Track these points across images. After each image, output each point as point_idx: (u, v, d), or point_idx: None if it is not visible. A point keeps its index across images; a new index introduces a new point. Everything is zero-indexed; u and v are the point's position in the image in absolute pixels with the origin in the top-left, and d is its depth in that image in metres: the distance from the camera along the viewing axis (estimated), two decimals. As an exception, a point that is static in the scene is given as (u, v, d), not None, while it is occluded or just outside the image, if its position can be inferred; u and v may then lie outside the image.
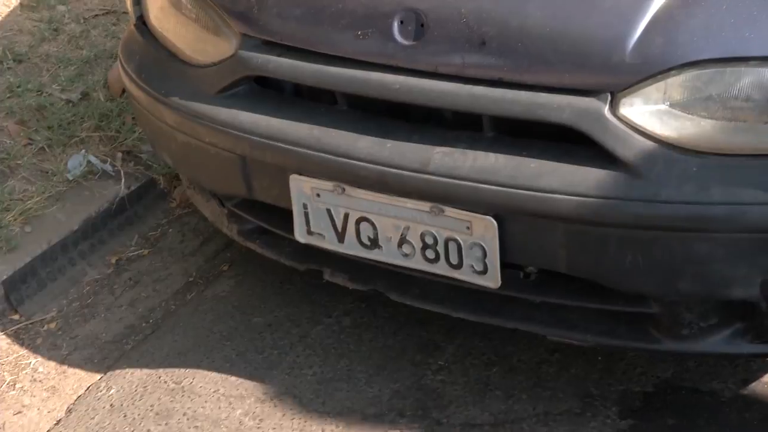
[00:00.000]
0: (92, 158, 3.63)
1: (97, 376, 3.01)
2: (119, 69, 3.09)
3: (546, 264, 2.46)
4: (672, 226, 2.25)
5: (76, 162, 3.61)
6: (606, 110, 2.26)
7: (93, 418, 2.86)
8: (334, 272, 2.80)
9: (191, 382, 2.93)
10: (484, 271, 2.46)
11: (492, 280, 2.47)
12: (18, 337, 3.15)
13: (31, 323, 3.20)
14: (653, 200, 2.23)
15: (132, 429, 2.81)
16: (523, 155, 2.34)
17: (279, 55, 2.58)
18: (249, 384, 2.91)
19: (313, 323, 3.10)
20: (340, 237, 2.61)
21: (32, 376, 3.02)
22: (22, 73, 4.11)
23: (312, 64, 2.53)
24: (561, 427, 2.70)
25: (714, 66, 2.22)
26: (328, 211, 2.59)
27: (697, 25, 2.23)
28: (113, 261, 3.45)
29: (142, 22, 3.02)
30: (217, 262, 3.42)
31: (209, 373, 2.96)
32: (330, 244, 2.64)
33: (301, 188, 2.59)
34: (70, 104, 3.92)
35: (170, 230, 3.59)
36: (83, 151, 3.67)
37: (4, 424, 2.86)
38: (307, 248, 2.73)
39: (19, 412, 2.91)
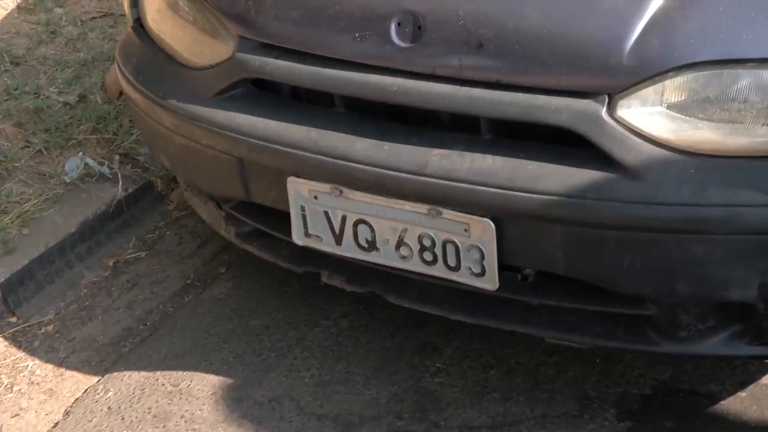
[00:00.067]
0: (89, 161, 3.63)
1: (95, 379, 3.01)
2: (116, 71, 3.09)
3: (544, 266, 2.46)
4: (669, 228, 2.25)
5: (73, 164, 3.61)
6: (603, 112, 2.26)
7: (91, 421, 2.86)
8: (331, 274, 2.80)
9: (189, 385, 2.93)
10: (482, 274, 2.46)
11: (490, 283, 2.46)
12: (15, 340, 3.14)
13: (28, 326, 3.20)
14: (651, 202, 2.23)
15: (130, 432, 2.81)
16: (520, 157, 2.34)
17: (276, 58, 2.58)
18: (247, 386, 2.91)
19: (310, 326, 3.10)
20: (338, 239, 2.61)
21: (30, 379, 3.02)
22: (19, 75, 4.11)
23: (309, 66, 2.53)
24: (559, 429, 2.70)
25: (711, 68, 2.22)
26: (326, 213, 2.59)
27: (694, 27, 2.23)
28: (111, 263, 3.45)
29: (139, 25, 3.02)
30: (215, 265, 3.42)
31: (207, 375, 2.96)
32: (328, 246, 2.64)
33: (299, 190, 2.59)
34: (68, 107, 3.92)
35: (168, 233, 3.59)
36: (80, 153, 3.66)
37: (1, 426, 2.86)
38: (305, 250, 2.73)
39: (17, 415, 2.90)
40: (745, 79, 2.21)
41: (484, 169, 2.34)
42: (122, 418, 2.85)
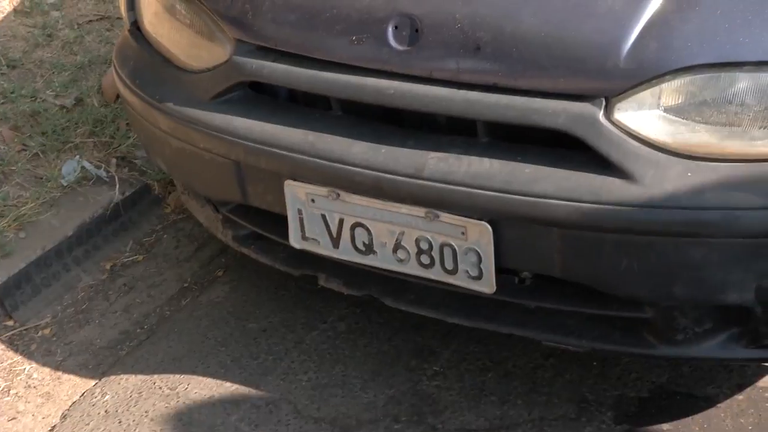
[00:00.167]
0: (86, 164, 3.63)
1: (92, 382, 3.01)
2: (113, 74, 3.09)
3: (541, 269, 2.46)
4: (666, 231, 2.25)
5: (70, 168, 3.61)
6: (601, 115, 2.26)
7: (88, 424, 2.86)
8: (328, 278, 2.80)
9: (186, 388, 2.93)
10: (479, 277, 2.46)
11: (487, 286, 2.46)
12: (12, 343, 3.14)
13: (25, 329, 3.20)
14: (648, 205, 2.23)
15: (127, 435, 2.81)
16: (517, 160, 2.34)
17: (273, 61, 2.58)
18: (244, 390, 2.91)
19: (308, 329, 3.10)
20: (335, 242, 2.61)
21: (27, 382, 3.02)
22: (15, 78, 4.11)
23: (306, 69, 2.53)
24: (556, 432, 2.70)
25: (708, 71, 2.22)
26: (323, 216, 2.59)
27: (691, 30, 2.23)
28: (108, 267, 3.45)
29: (136, 28, 3.02)
30: (212, 268, 3.42)
31: (204, 378, 2.96)
32: (325, 249, 2.64)
33: (296, 194, 2.59)
34: (64, 110, 3.92)
35: (165, 236, 3.59)
36: (77, 156, 3.66)
37: (-2, 430, 2.87)
38: (302, 254, 2.73)
39: (14, 419, 2.90)
40: (742, 82, 2.21)
41: (481, 172, 2.34)
42: (119, 422, 2.85)
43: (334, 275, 2.78)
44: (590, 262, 2.36)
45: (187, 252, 3.50)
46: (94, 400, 2.94)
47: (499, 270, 2.45)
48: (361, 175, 2.44)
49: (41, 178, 3.58)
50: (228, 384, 2.93)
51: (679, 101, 2.25)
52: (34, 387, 3.00)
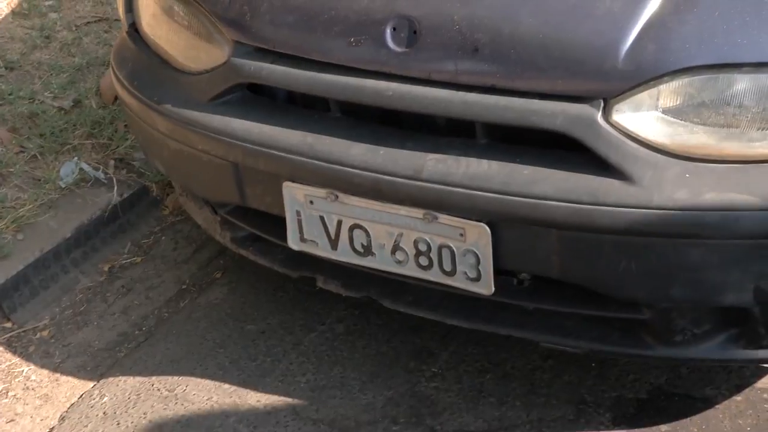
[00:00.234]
0: (84, 166, 3.63)
1: (90, 384, 3.01)
2: (111, 76, 3.09)
3: (539, 270, 2.46)
4: (665, 233, 2.25)
5: (68, 169, 3.61)
6: (599, 117, 2.26)
7: (86, 426, 2.86)
8: (327, 279, 2.80)
9: (184, 390, 2.93)
10: (478, 278, 2.46)
11: (485, 287, 2.46)
12: (10, 345, 3.14)
13: (23, 331, 3.20)
14: (646, 207, 2.23)
15: (125, 437, 2.81)
16: (516, 162, 2.34)
17: (272, 62, 2.58)
18: (242, 391, 2.90)
19: (306, 330, 3.10)
20: (334, 244, 2.61)
21: (25, 384, 3.02)
22: (13, 80, 4.11)
23: (305, 71, 2.53)
24: (555, 433, 2.71)
25: (707, 72, 2.22)
26: (321, 218, 2.58)
27: (689, 32, 2.23)
28: (106, 269, 3.44)
29: (134, 30, 3.02)
30: (210, 270, 3.41)
31: (202, 380, 2.95)
32: (323, 251, 2.64)
33: (294, 195, 2.59)
34: (62, 112, 3.92)
35: (163, 238, 3.59)
36: (75, 158, 3.66)
37: (-4, 432, 2.87)
38: (300, 255, 2.73)
39: (12, 420, 2.90)
40: (740, 84, 2.22)
41: (480, 174, 2.34)
42: (117, 423, 2.84)
43: (332, 277, 2.78)
44: (589, 264, 2.36)
45: (185, 254, 3.50)
46: (93, 401, 2.94)
47: (498, 271, 2.45)
48: (360, 177, 2.44)
49: (39, 180, 3.58)
50: (226, 386, 2.93)
51: (678, 103, 2.26)
52: (33, 389, 3.00)
